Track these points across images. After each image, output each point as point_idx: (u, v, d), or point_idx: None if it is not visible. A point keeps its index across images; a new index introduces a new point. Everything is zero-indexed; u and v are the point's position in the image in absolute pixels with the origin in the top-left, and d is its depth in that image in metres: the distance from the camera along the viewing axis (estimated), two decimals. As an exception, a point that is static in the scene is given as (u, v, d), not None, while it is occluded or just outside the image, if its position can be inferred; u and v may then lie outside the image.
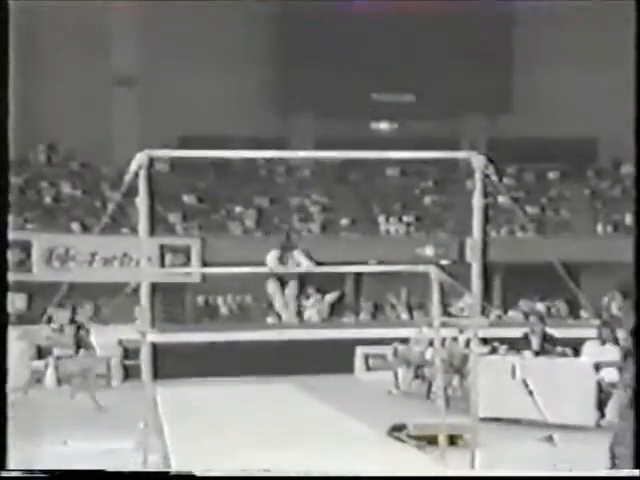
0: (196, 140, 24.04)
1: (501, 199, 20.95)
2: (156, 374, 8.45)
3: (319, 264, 16.66)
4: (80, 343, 12.85)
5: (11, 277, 7.54)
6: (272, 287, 10.71)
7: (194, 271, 14.89)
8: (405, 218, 24.36)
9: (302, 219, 24.23)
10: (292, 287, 10.82)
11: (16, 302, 16.29)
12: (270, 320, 20.84)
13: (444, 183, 25.46)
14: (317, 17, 25.59)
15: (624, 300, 17.16)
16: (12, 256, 11.99)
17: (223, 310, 22.22)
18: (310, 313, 21.02)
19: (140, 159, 12.55)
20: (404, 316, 21.94)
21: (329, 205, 24.88)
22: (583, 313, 18.72)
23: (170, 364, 13.67)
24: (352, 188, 25.30)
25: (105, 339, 14.92)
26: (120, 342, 15.35)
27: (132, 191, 13.16)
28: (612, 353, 11.60)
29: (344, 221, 24.23)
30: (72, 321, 15.68)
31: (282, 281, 10.98)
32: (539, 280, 18.06)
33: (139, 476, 6.22)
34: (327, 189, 25.23)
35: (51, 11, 24.47)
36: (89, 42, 25.25)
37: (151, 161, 13.18)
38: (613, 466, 7.03)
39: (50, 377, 14.36)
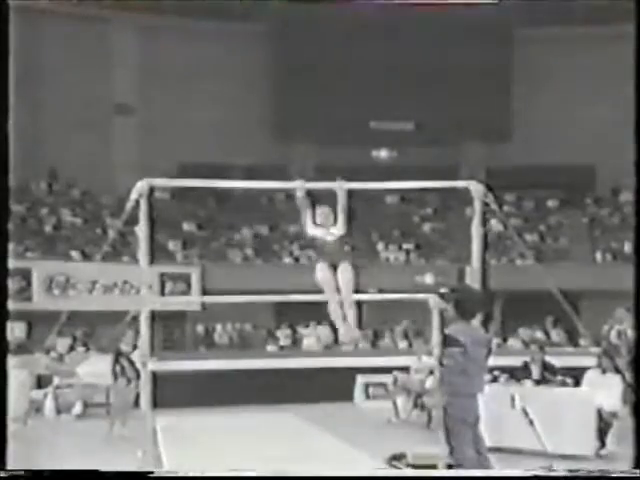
0: (196, 167, 24.19)
1: (500, 227, 21.00)
2: (155, 402, 8.43)
3: (318, 292, 16.64)
4: (122, 373, 12.86)
5: (11, 305, 7.55)
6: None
7: (194, 300, 14.89)
8: (405, 245, 24.39)
9: (302, 246, 24.25)
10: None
11: (16, 331, 16.27)
12: (270, 348, 20.82)
13: (443, 210, 25.52)
14: (317, 46, 25.75)
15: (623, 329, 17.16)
16: (12, 284, 12.01)
17: (223, 338, 22.20)
18: (309, 341, 21.01)
19: (140, 188, 12.61)
20: (403, 344, 21.91)
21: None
22: (583, 341, 18.68)
23: (170, 392, 13.64)
24: (352, 215, 25.31)
25: (104, 367, 14.88)
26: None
27: (132, 219, 13.24)
28: (613, 382, 11.59)
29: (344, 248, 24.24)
30: (72, 348, 15.67)
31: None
32: (539, 308, 18.05)
33: (139, 476, 6.21)
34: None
35: (51, 39, 24.66)
36: (90, 71, 25.43)
37: (151, 189, 13.25)
38: None
39: (49, 406, 14.32)
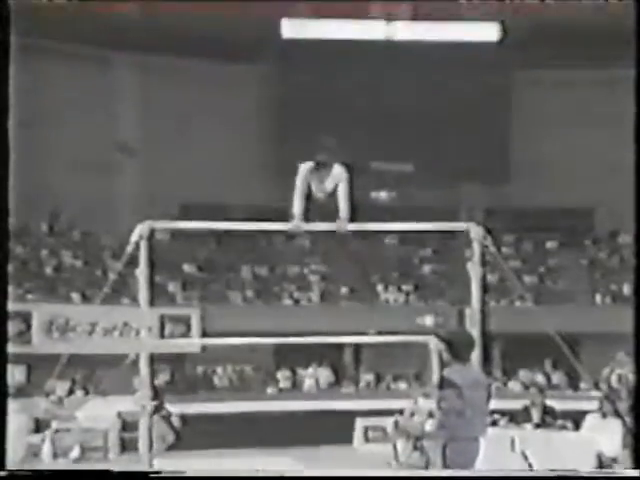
0: (197, 208, 24.27)
1: (499, 269, 21.01)
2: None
3: (318, 334, 16.60)
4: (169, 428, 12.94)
5: (11, 349, 7.54)
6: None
7: (194, 342, 14.84)
8: (404, 287, 24.40)
9: (301, 288, 24.27)
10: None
11: (15, 374, 16.22)
12: (270, 391, 20.76)
13: (443, 252, 25.55)
14: (316, 87, 25.91)
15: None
16: (12, 327, 11.97)
17: (223, 380, 22.14)
18: (310, 383, 20.97)
19: (141, 230, 12.64)
20: (403, 387, 21.85)
21: (328, 274, 24.94)
22: (583, 385, 18.65)
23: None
24: (351, 257, 25.36)
25: (104, 411, 14.86)
26: (119, 414, 15.26)
27: (133, 260, 13.24)
28: (613, 427, 11.55)
29: (343, 290, 24.26)
30: (71, 392, 15.64)
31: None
32: (539, 350, 18.02)
33: (139, 476, 6.18)
34: (326, 258, 25.31)
35: (53, 79, 24.85)
36: (91, 111, 25.57)
37: (152, 231, 13.27)
38: None
39: (47, 451, 14.24)
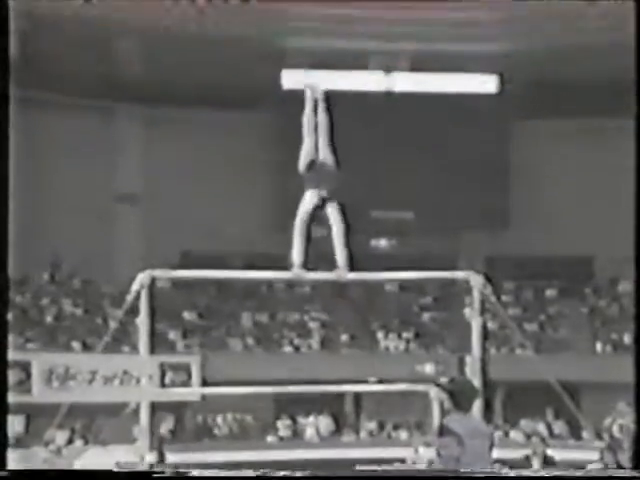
0: (197, 256, 24.34)
1: (499, 317, 21.01)
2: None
3: (318, 381, 16.55)
4: None
5: (11, 399, 7.53)
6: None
7: (194, 391, 14.82)
8: (404, 334, 24.37)
9: (302, 335, 24.24)
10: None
11: (15, 425, 16.14)
12: (270, 439, 20.66)
13: (443, 299, 25.55)
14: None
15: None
16: (12, 377, 11.97)
17: (223, 429, 22.03)
18: (310, 432, 20.88)
19: (142, 279, 12.69)
20: (404, 435, 21.74)
21: (328, 321, 24.93)
22: (585, 434, 18.57)
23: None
24: (351, 304, 25.36)
25: (103, 460, 14.75)
26: (117, 464, 15.15)
27: (134, 308, 13.25)
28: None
29: (343, 337, 24.24)
30: (70, 441, 15.57)
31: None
32: (540, 399, 17.97)
33: (139, 476, 6.14)
34: (326, 305, 25.32)
35: (54, 129, 25.02)
36: (92, 160, 25.74)
37: (153, 280, 13.30)
38: None
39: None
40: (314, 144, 10.43)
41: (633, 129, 8.86)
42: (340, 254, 9.72)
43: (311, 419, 21.71)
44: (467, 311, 24.29)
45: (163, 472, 6.56)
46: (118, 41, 24.82)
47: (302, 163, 10.17)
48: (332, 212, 9.68)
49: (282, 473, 6.54)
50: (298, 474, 6.48)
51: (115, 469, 14.56)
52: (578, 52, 23.64)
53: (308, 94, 10.39)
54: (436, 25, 24.43)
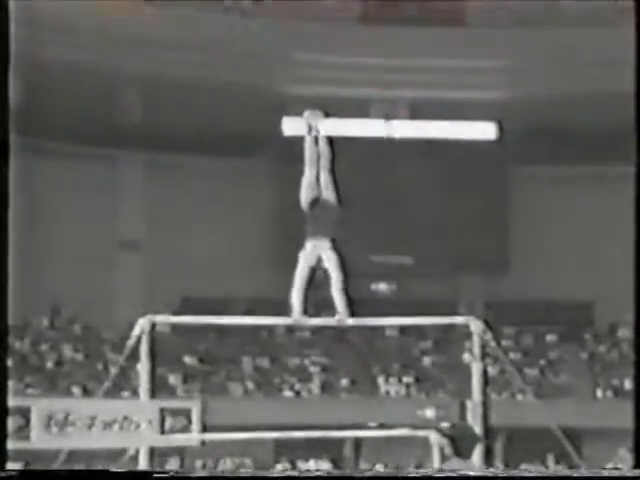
0: (198, 301, 24.38)
1: (499, 362, 21.00)
2: None
3: (318, 426, 16.49)
4: None
5: (10, 445, 7.53)
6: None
7: (194, 437, 14.79)
8: (405, 379, 24.32)
9: (302, 379, 24.19)
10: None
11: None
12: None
13: (443, 343, 25.53)
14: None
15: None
16: (11, 423, 11.95)
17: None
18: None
19: (142, 324, 12.70)
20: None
21: (329, 365, 24.89)
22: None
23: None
24: (351, 348, 25.34)
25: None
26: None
27: (134, 353, 13.26)
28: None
29: (344, 381, 24.18)
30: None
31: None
32: (540, 445, 17.90)
33: (139, 476, 6.11)
34: (327, 349, 25.29)
35: (54, 177, 25.17)
36: (93, 207, 25.86)
37: (153, 325, 13.31)
38: None
39: None
40: (315, 178, 10.55)
41: (633, 176, 8.95)
42: (339, 301, 9.85)
43: (311, 464, 21.61)
44: (467, 356, 24.30)
45: (165, 472, 6.56)
46: (119, 88, 25.06)
47: (304, 199, 10.33)
48: (330, 260, 9.87)
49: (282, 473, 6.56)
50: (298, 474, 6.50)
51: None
52: (577, 100, 23.85)
53: (309, 126, 10.39)
54: (436, 72, 24.69)
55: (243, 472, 6.45)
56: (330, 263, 9.95)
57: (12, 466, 16.21)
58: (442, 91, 25.14)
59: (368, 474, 6.77)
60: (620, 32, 12.32)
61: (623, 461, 17.50)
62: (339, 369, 24.71)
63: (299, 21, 23.95)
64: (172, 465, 20.15)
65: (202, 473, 6.26)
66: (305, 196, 10.38)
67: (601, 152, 24.55)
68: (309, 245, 10.09)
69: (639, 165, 8.23)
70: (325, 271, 10.08)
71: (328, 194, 10.43)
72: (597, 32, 22.80)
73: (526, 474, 6.46)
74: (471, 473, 6.96)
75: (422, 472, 7.15)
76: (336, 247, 10.29)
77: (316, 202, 10.33)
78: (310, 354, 25.10)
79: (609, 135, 22.17)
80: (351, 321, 10.64)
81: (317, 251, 10.04)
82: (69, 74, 23.00)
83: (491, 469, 13.49)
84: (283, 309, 11.72)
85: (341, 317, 10.03)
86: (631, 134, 9.19)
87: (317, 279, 10.17)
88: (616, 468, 11.14)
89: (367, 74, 24.91)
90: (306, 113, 10.85)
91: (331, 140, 10.96)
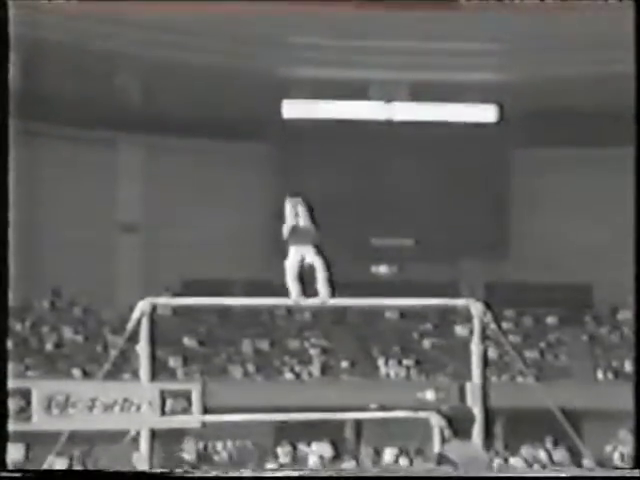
0: (198, 284, 24.39)
1: (499, 345, 21.03)
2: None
3: (318, 408, 16.55)
4: None
5: (11, 427, 7.56)
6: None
7: (195, 419, 14.86)
8: (405, 361, 24.34)
9: (302, 362, 24.22)
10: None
11: (14, 453, 16.02)
12: (270, 466, 20.60)
13: (443, 326, 25.56)
14: (318, 164, 26.20)
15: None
16: (12, 404, 11.99)
17: (222, 456, 21.98)
18: (313, 460, 20.79)
19: (143, 307, 12.76)
20: (404, 462, 21.68)
21: (329, 348, 24.92)
22: (586, 462, 18.51)
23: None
24: (352, 331, 25.36)
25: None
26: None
27: (134, 336, 13.30)
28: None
29: (344, 364, 24.21)
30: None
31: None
32: (541, 426, 17.94)
33: (139, 476, 6.16)
34: (327, 332, 25.31)
35: (55, 160, 25.13)
36: (93, 189, 25.84)
37: (153, 307, 13.36)
38: None
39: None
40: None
41: (633, 157, 8.93)
42: (323, 287, 11.57)
43: (313, 447, 21.64)
44: (459, 328, 24.41)
45: (167, 472, 6.60)
46: (120, 71, 24.99)
47: (285, 233, 12.04)
48: (314, 259, 11.53)
49: (282, 473, 6.60)
50: (298, 474, 6.56)
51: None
52: (577, 82, 23.80)
53: (294, 212, 12.31)
54: (435, 55, 24.62)
55: (243, 472, 6.47)
56: (315, 261, 11.57)
57: (14, 447, 16.25)
58: (442, 73, 25.08)
59: (368, 474, 6.81)
60: (619, 14, 12.27)
61: (623, 442, 17.55)
62: (339, 351, 24.74)
63: (297, 4, 23.85)
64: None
65: (202, 473, 6.27)
66: (285, 231, 12.12)
67: (601, 134, 24.52)
68: (292, 251, 11.70)
69: (639, 147, 8.22)
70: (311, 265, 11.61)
71: (306, 224, 12.23)
72: (596, 13, 22.71)
73: (527, 474, 6.50)
74: (471, 473, 7.01)
75: (422, 472, 7.19)
76: (319, 251, 11.75)
77: (294, 229, 12.09)
78: (310, 336, 25.12)
79: (609, 117, 22.15)
80: (353, 302, 11.85)
81: (301, 252, 11.64)
82: (70, 56, 22.95)
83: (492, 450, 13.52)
84: (282, 292, 11.82)
85: (324, 298, 11.57)
86: (630, 116, 9.19)
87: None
88: (616, 468, 11.18)
89: (366, 56, 24.85)
90: (288, 200, 12.53)
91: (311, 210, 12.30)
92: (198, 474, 6.25)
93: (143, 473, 6.20)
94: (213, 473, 6.40)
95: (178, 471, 6.58)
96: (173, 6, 22.51)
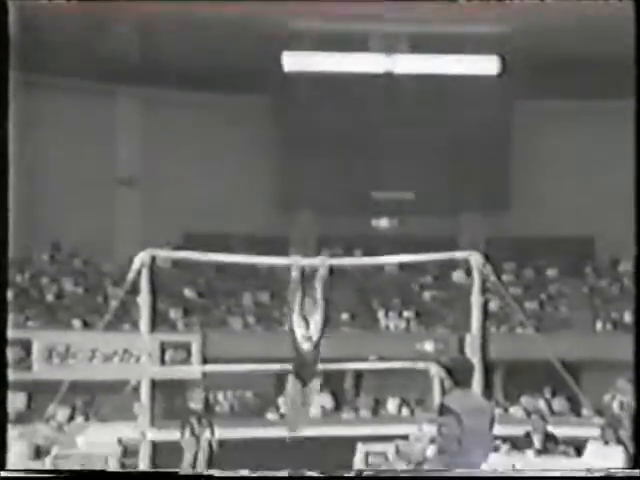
0: (198, 237, 24.38)
1: (500, 296, 21.08)
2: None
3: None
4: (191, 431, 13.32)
5: (11, 376, 7.58)
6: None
7: (195, 369, 14.94)
8: (405, 313, 24.42)
9: (302, 314, 24.26)
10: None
11: (15, 401, 16.15)
12: (270, 416, 20.74)
13: (443, 278, 25.61)
14: (318, 117, 26.08)
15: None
16: (12, 354, 12.05)
17: (223, 406, 22.12)
18: (313, 409, 20.91)
19: (143, 258, 12.74)
20: (405, 412, 21.83)
21: (329, 300, 24.92)
22: (585, 411, 18.64)
23: (170, 463, 13.56)
24: (351, 283, 25.39)
25: (104, 437, 14.84)
26: (119, 441, 15.24)
27: (134, 287, 13.30)
28: (615, 454, 11.57)
29: (344, 316, 24.28)
30: (71, 418, 15.62)
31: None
32: (541, 377, 18.04)
33: (140, 476, 6.21)
34: (326, 284, 25.29)
35: (53, 112, 24.99)
36: (92, 142, 25.74)
37: (153, 259, 13.35)
38: None
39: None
40: None
41: (633, 110, 8.86)
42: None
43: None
44: (456, 274, 24.47)
45: (165, 472, 6.63)
46: (118, 24, 24.74)
47: None
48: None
49: (282, 473, 6.60)
50: (299, 474, 6.55)
51: (118, 445, 14.70)
52: (579, 32, 23.56)
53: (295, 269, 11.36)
54: (435, 5, 24.34)
55: (243, 472, 6.45)
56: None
57: (14, 396, 16.32)
58: (443, 25, 24.82)
59: (368, 474, 6.83)
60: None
61: (622, 392, 17.64)
62: (339, 303, 24.79)
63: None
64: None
65: (202, 473, 6.28)
66: None
67: (603, 86, 24.32)
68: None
69: (639, 99, 8.15)
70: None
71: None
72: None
73: (527, 474, 6.52)
74: (471, 473, 7.01)
75: (422, 472, 7.21)
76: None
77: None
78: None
79: (611, 69, 21.94)
80: (355, 260, 11.72)
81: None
82: (68, 9, 22.71)
83: (493, 400, 13.57)
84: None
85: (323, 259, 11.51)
86: (632, 67, 9.09)
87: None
88: (616, 468, 11.28)
89: (367, 8, 24.60)
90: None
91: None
92: (199, 474, 6.27)
93: (147, 473, 6.22)
94: (215, 473, 6.40)
95: (177, 471, 6.59)
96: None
